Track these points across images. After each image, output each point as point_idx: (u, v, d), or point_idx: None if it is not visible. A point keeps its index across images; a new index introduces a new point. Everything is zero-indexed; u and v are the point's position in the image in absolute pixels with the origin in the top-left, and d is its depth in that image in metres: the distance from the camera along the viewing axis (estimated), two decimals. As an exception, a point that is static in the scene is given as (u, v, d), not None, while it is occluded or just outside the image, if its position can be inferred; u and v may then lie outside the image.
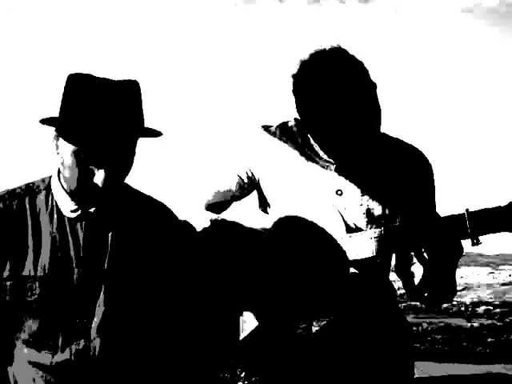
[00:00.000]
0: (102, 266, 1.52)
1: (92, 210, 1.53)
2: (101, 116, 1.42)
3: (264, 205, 1.87)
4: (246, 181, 1.84)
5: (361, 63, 1.62)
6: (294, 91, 1.64)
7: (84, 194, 1.49)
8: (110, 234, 1.54)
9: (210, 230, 1.76)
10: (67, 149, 1.46)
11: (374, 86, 1.64)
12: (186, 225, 1.77)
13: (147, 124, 1.51)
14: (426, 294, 1.71)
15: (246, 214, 1.80)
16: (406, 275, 1.77)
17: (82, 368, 1.49)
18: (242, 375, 1.74)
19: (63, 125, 1.47)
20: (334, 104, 1.57)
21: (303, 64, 1.61)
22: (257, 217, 1.78)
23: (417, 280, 1.72)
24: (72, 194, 1.53)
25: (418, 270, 1.72)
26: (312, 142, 1.71)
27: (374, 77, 1.65)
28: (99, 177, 1.45)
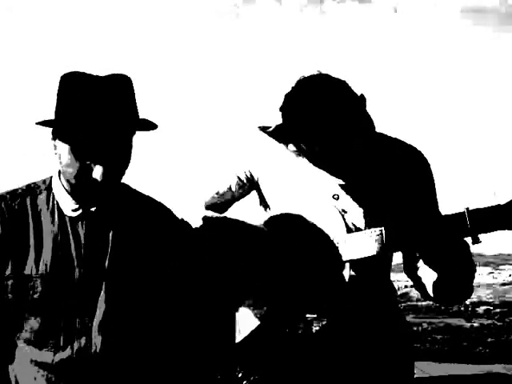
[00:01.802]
0: (103, 264, 1.53)
1: (93, 209, 1.55)
2: (94, 113, 1.44)
3: (264, 205, 1.87)
4: (245, 181, 1.84)
5: (342, 84, 1.64)
6: (283, 123, 1.67)
7: (84, 190, 1.51)
8: (110, 233, 1.55)
9: (210, 227, 1.76)
10: (64, 147, 1.48)
11: (360, 99, 1.66)
12: (185, 224, 1.77)
13: (143, 116, 1.53)
14: (440, 295, 1.70)
15: (246, 213, 1.80)
16: (414, 276, 1.77)
17: (83, 366, 1.50)
18: (241, 375, 1.74)
19: (59, 125, 1.49)
20: (322, 130, 1.59)
21: (287, 98, 1.65)
22: (257, 216, 1.79)
23: (427, 281, 1.72)
24: (73, 193, 1.55)
25: (425, 271, 1.72)
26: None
27: (364, 79, 1.68)
28: (97, 171, 1.46)
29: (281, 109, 1.65)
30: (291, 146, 1.67)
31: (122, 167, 1.52)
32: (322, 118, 1.58)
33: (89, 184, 1.48)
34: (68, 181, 1.53)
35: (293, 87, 1.65)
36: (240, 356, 1.73)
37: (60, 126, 1.49)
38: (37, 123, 1.47)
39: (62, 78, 1.49)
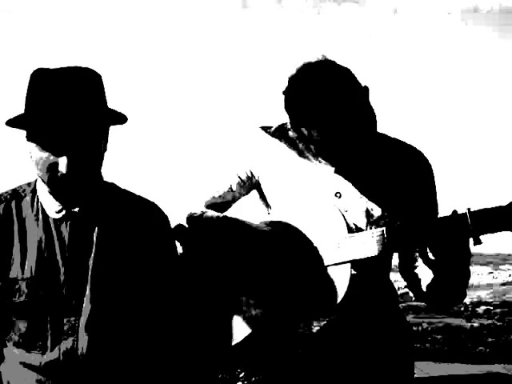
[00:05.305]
0: (87, 264, 1.53)
1: (76, 209, 1.55)
2: (57, 105, 1.43)
3: (265, 205, 1.86)
4: (245, 181, 1.84)
5: (347, 71, 1.64)
6: (285, 107, 1.67)
7: (55, 186, 1.51)
8: (95, 233, 1.55)
9: (210, 227, 1.76)
10: (34, 146, 1.48)
11: (364, 89, 1.66)
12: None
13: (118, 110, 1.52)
14: (434, 297, 1.71)
15: (246, 213, 1.80)
16: (410, 276, 1.77)
17: (71, 367, 1.50)
18: (242, 375, 1.73)
19: (26, 121, 1.48)
20: (325, 115, 1.59)
21: (291, 81, 1.64)
22: (257, 217, 1.78)
23: (423, 281, 1.72)
24: (53, 194, 1.54)
25: (423, 271, 1.72)
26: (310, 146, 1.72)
27: (363, 80, 1.67)
28: (62, 164, 1.45)
29: (284, 92, 1.65)
30: (292, 133, 1.67)
31: (91, 160, 1.50)
32: (325, 102, 1.58)
33: (57, 179, 1.47)
34: (43, 181, 1.53)
35: (297, 70, 1.64)
36: (241, 356, 1.73)
37: (28, 122, 1.48)
38: (6, 123, 1.47)
39: (30, 76, 1.48)
